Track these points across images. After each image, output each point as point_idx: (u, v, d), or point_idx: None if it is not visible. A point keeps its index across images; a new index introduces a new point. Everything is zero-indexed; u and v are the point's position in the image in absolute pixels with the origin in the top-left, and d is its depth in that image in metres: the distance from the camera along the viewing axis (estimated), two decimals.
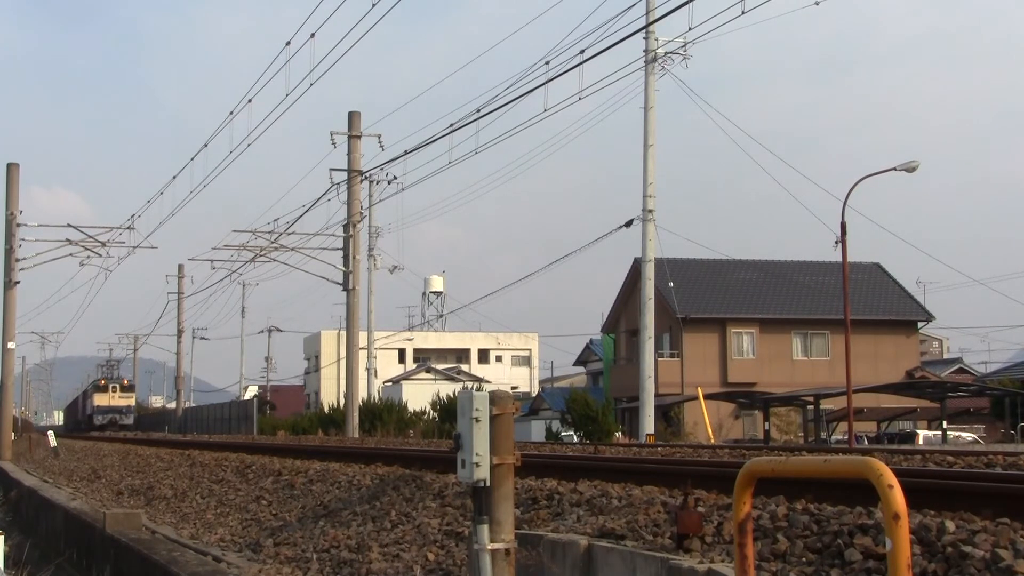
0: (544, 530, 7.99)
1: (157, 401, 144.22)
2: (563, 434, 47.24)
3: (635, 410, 42.92)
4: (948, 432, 44.42)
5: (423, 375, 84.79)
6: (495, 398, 6.55)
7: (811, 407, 45.89)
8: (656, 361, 40.96)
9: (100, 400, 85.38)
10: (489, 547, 6.40)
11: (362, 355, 48.11)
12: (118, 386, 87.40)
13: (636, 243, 37.59)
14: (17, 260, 44.51)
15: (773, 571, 5.96)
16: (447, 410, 49.18)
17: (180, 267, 75.63)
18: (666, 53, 36.30)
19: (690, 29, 21.79)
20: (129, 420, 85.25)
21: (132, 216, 45.65)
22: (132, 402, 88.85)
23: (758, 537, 6.28)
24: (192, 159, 35.48)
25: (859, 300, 57.44)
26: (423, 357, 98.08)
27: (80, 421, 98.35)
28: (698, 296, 60.52)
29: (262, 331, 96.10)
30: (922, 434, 47.39)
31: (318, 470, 16.32)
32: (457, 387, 55.45)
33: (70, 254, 46.28)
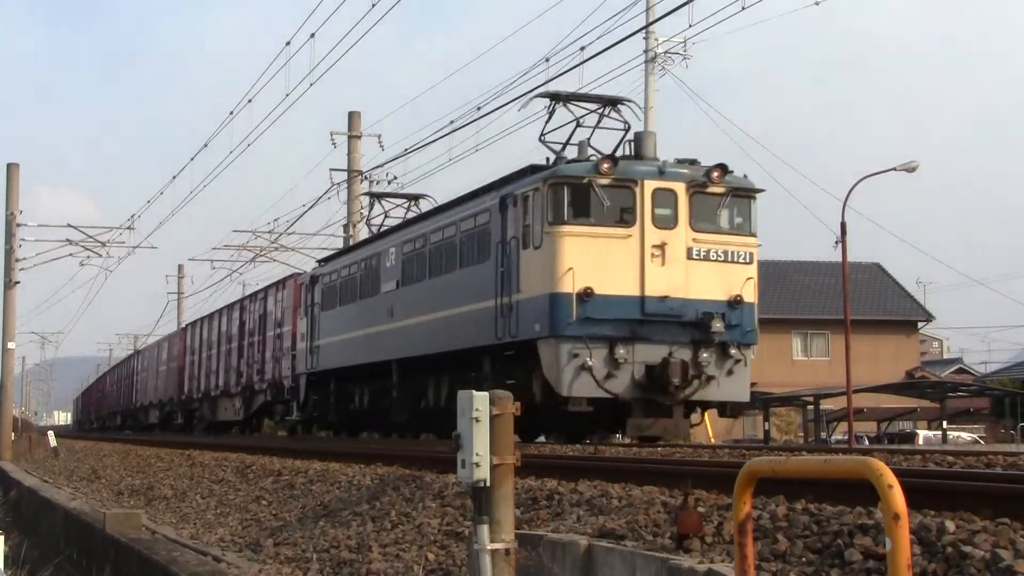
0: (544, 530, 7.99)
1: None
2: None
3: None
4: (948, 432, 44.45)
5: None
6: (495, 398, 6.55)
7: (811, 407, 45.90)
8: None
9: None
10: (489, 547, 6.40)
11: None
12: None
13: None
14: (17, 260, 44.50)
15: (773, 571, 5.96)
16: None
17: (180, 267, 75.39)
18: (666, 52, 36.31)
19: (690, 27, 21.72)
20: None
21: (132, 216, 45.58)
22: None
23: (758, 537, 6.28)
24: (192, 159, 35.24)
25: (859, 300, 57.43)
26: None
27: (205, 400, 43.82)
28: None
29: None
30: (922, 434, 47.43)
31: (318, 470, 16.31)
32: None
33: (70, 254, 46.34)
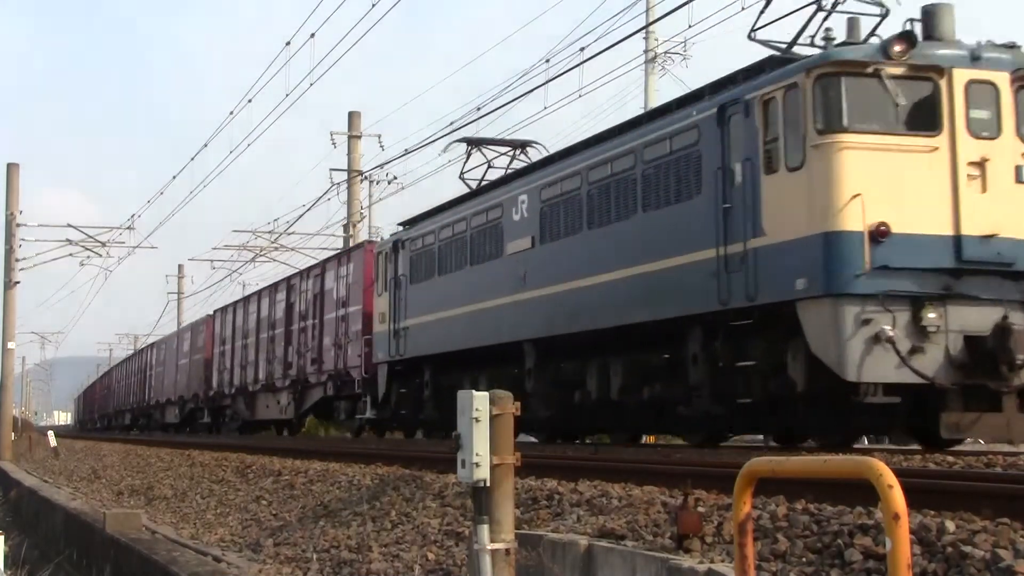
0: (544, 530, 7.99)
1: None
2: None
3: None
4: None
5: None
6: (495, 398, 6.55)
7: None
8: None
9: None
10: (489, 547, 6.40)
11: None
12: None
13: None
14: (17, 260, 44.51)
15: (773, 571, 5.96)
16: None
17: (180, 267, 75.56)
18: (666, 52, 36.30)
19: (690, 27, 21.73)
20: None
21: (132, 216, 45.61)
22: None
23: (758, 537, 6.28)
24: (192, 159, 35.29)
25: None
26: None
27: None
28: None
29: None
30: None
31: (318, 470, 16.31)
32: None
33: (70, 254, 46.35)
